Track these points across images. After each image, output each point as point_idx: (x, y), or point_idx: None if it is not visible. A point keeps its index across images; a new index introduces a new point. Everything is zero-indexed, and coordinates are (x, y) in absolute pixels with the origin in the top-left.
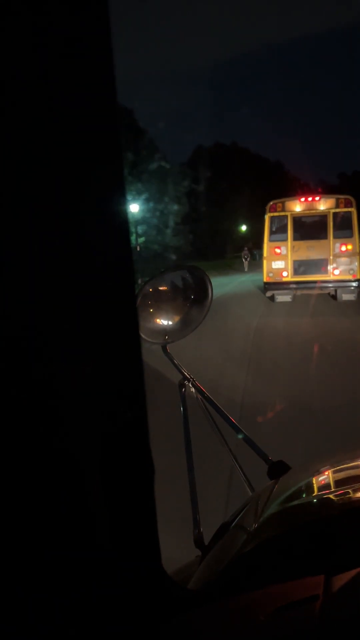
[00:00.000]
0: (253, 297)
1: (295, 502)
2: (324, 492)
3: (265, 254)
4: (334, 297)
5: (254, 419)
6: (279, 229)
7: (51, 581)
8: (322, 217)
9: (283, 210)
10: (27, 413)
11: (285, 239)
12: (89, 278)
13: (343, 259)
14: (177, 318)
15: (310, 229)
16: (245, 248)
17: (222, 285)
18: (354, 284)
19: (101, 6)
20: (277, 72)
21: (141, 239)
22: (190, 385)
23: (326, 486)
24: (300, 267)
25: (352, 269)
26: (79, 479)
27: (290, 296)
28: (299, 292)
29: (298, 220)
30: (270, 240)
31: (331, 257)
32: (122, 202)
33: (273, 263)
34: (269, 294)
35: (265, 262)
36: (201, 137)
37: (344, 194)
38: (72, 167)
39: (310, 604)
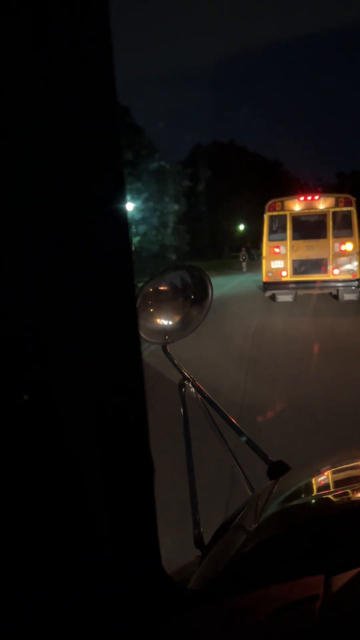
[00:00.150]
0: (252, 298)
1: (295, 502)
2: (323, 492)
3: (264, 253)
4: (336, 297)
5: (253, 419)
6: (278, 229)
7: (51, 581)
8: (322, 217)
9: (282, 209)
10: (27, 413)
11: (285, 239)
12: (89, 278)
13: (343, 259)
14: (177, 318)
15: (309, 228)
16: (243, 248)
17: (220, 285)
18: (354, 283)
19: (101, 6)
20: (276, 72)
21: (136, 239)
22: (190, 385)
23: (326, 486)
24: (299, 266)
25: (351, 269)
26: (79, 479)
27: (291, 296)
28: (300, 292)
29: (297, 220)
30: (269, 239)
31: (330, 257)
32: (122, 202)
33: (272, 263)
34: (268, 293)
35: (264, 261)
36: (199, 136)
37: (343, 193)
38: (72, 167)
39: (310, 604)
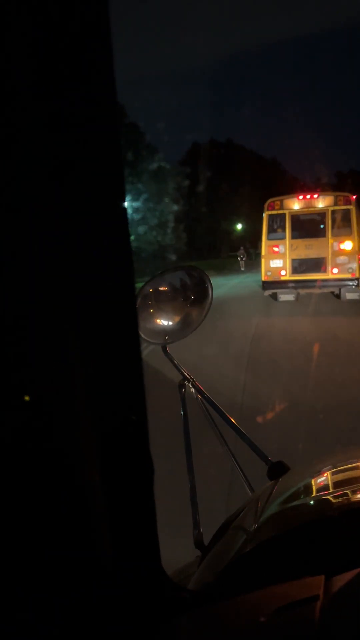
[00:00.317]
0: (252, 298)
1: (295, 503)
2: (323, 492)
3: (263, 252)
4: (338, 296)
5: (253, 419)
6: (277, 228)
7: (51, 581)
8: (321, 215)
9: (281, 208)
10: (27, 413)
11: (284, 238)
12: (89, 278)
13: (342, 258)
14: (177, 318)
15: (308, 227)
16: (242, 247)
17: (219, 285)
18: (353, 282)
19: (101, 6)
20: (274, 71)
21: (131, 238)
22: (190, 386)
23: (326, 487)
24: (298, 265)
25: (351, 268)
26: (79, 479)
27: (293, 295)
28: (302, 292)
29: (296, 219)
30: (268, 238)
31: (330, 256)
32: (122, 202)
33: (271, 262)
34: (267, 293)
35: (263, 260)
36: (196, 135)
37: (342, 191)
38: (71, 167)
39: (310, 605)
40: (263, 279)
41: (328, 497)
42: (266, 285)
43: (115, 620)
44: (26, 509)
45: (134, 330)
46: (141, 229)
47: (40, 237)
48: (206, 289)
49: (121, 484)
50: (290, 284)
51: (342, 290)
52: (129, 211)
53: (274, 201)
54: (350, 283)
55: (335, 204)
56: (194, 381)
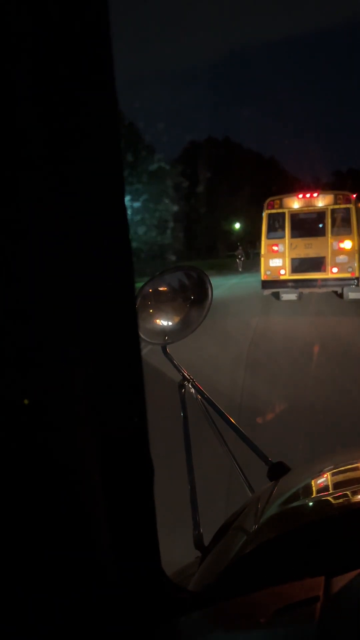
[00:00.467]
0: (251, 299)
1: (295, 504)
2: (324, 493)
3: (262, 251)
4: (341, 295)
5: (253, 419)
6: (276, 227)
7: (51, 581)
8: (320, 214)
9: (281, 207)
10: (27, 413)
11: (283, 237)
12: (88, 278)
13: (341, 257)
14: (176, 319)
15: (308, 226)
16: (240, 247)
17: (217, 286)
18: (353, 282)
19: (101, 5)
20: (272, 70)
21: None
22: (190, 386)
23: (326, 487)
24: (298, 265)
25: (350, 267)
26: (79, 479)
27: (295, 295)
28: (305, 291)
29: (296, 218)
30: (267, 237)
31: (329, 255)
32: (122, 203)
33: (271, 261)
34: (266, 292)
35: (262, 259)
36: (193, 133)
37: (342, 190)
38: (71, 168)
39: (310, 606)
40: (262, 278)
41: (328, 497)
42: (265, 284)
43: (115, 621)
44: (26, 509)
45: (133, 331)
46: (138, 229)
47: (40, 237)
48: (206, 289)
49: (121, 484)
50: (290, 283)
51: (345, 289)
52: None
53: (273, 200)
54: (350, 282)
55: (335, 202)
56: (194, 381)
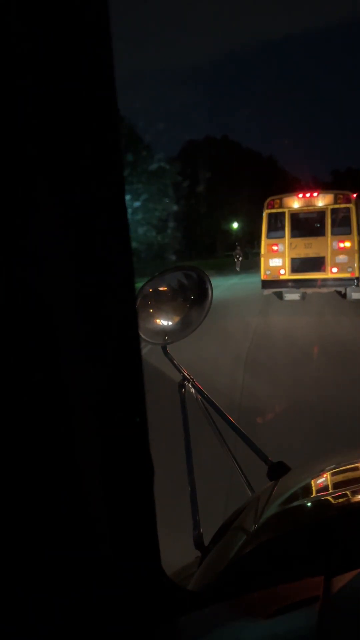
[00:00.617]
0: (250, 300)
1: (295, 504)
2: (324, 493)
3: (262, 251)
4: (344, 295)
5: (253, 419)
6: (276, 226)
7: (51, 581)
8: (320, 214)
9: (281, 206)
10: (28, 413)
11: (283, 236)
12: (88, 278)
13: (341, 257)
14: (177, 319)
15: (308, 225)
16: (238, 247)
17: (215, 286)
18: (353, 282)
19: (101, 5)
20: (270, 69)
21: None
22: (190, 386)
23: (326, 487)
24: (298, 264)
25: (350, 267)
26: (79, 479)
27: (299, 295)
28: (309, 291)
29: (296, 217)
30: (267, 237)
31: (329, 255)
32: (122, 202)
33: (270, 260)
34: (267, 292)
35: (262, 259)
36: (191, 132)
37: (342, 189)
38: (71, 167)
39: (310, 606)
40: (262, 277)
41: (328, 497)
42: (265, 284)
43: (115, 620)
44: (26, 509)
45: (134, 330)
46: (136, 228)
47: (40, 237)
48: (206, 289)
49: (121, 484)
50: (290, 283)
51: (349, 290)
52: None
53: (273, 199)
54: (350, 283)
55: (335, 202)
56: (194, 381)
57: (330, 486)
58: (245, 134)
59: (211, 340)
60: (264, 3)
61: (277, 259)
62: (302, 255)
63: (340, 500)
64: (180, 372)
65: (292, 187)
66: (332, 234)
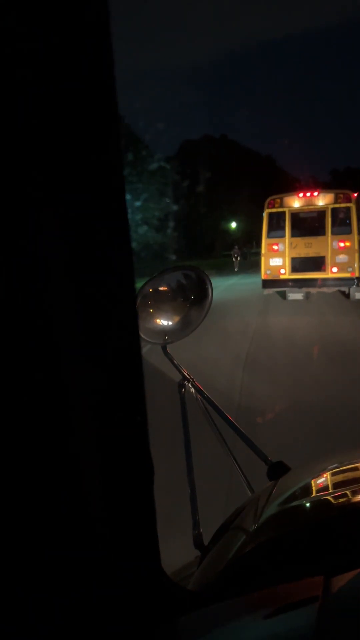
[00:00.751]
0: (249, 302)
1: (295, 503)
2: (323, 493)
3: (263, 250)
4: (348, 295)
5: (253, 419)
6: (277, 226)
7: (51, 581)
8: (321, 213)
9: (281, 206)
10: (28, 413)
11: (283, 236)
12: (88, 278)
13: (341, 256)
14: (176, 318)
15: (308, 225)
16: (236, 246)
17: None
18: (353, 282)
19: (101, 6)
20: (269, 69)
21: None
22: (190, 386)
23: (326, 487)
24: (298, 264)
25: (350, 267)
26: (79, 479)
27: (302, 294)
28: (314, 291)
29: (296, 217)
30: (268, 236)
31: (329, 255)
32: (122, 202)
33: (271, 260)
34: (267, 291)
35: (263, 259)
36: (190, 132)
37: (342, 188)
38: (71, 167)
39: (309, 605)
40: (263, 277)
41: (328, 497)
42: (266, 283)
43: (115, 620)
44: (26, 508)
45: (133, 330)
46: (132, 228)
47: (40, 237)
48: (206, 289)
49: (121, 483)
50: (290, 283)
51: (352, 290)
52: None
53: (274, 199)
54: (350, 283)
55: (336, 201)
56: (194, 381)
57: (330, 486)
58: (244, 133)
59: (210, 342)
60: (262, 3)
61: (277, 258)
62: (303, 255)
63: (340, 500)
64: (180, 372)
65: (291, 187)
66: (333, 233)
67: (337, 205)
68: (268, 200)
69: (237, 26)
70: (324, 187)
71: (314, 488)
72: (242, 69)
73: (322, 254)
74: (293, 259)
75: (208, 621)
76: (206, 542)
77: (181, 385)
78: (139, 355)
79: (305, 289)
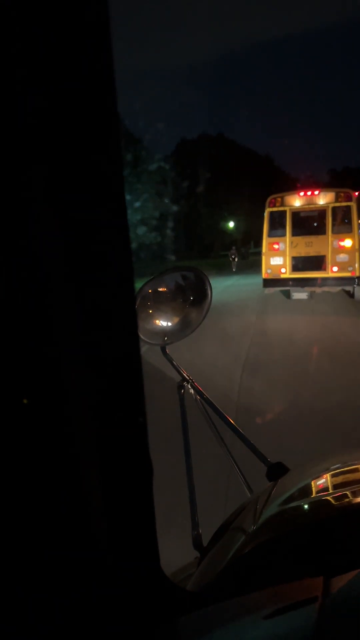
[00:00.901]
0: (247, 304)
1: (294, 504)
2: (323, 493)
3: (263, 249)
4: (352, 295)
5: (252, 420)
6: (278, 225)
7: (51, 581)
8: (321, 212)
9: (282, 205)
10: (28, 414)
11: (284, 235)
12: (88, 279)
13: (342, 256)
14: (176, 319)
15: (309, 224)
16: (233, 247)
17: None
18: (353, 281)
19: (101, 6)
20: (267, 68)
21: None
22: (189, 387)
23: (325, 488)
24: (298, 263)
25: (351, 266)
26: (78, 479)
27: (306, 294)
28: (319, 290)
29: (297, 215)
30: (269, 235)
31: (329, 254)
32: (122, 202)
33: (271, 259)
34: (268, 291)
35: (264, 258)
36: (187, 131)
37: (342, 188)
38: (70, 167)
39: (309, 606)
40: (263, 276)
41: (327, 498)
42: (267, 282)
43: (115, 620)
44: (26, 508)
45: (133, 331)
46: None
47: (39, 237)
48: (205, 290)
49: (120, 484)
50: (290, 282)
51: (357, 289)
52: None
53: (275, 198)
54: (351, 282)
55: (336, 200)
56: (193, 382)
57: (329, 487)
58: (242, 133)
59: (209, 344)
60: (261, 3)
61: (278, 257)
62: (303, 254)
63: (340, 500)
64: (179, 372)
65: (290, 186)
66: (333, 232)
67: (337, 204)
68: (269, 199)
69: (237, 26)
70: (323, 186)
71: (313, 489)
72: (241, 68)
73: (322, 253)
74: (293, 258)
75: (208, 621)
76: (205, 542)
77: (180, 386)
78: (139, 356)
79: (308, 289)
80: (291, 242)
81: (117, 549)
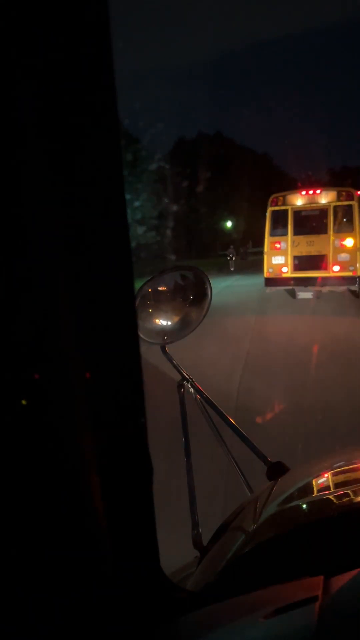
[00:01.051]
0: (247, 306)
1: (294, 503)
2: (323, 493)
3: (265, 249)
4: (358, 295)
5: (252, 419)
6: (279, 224)
7: (51, 581)
8: (323, 211)
9: (284, 204)
10: (28, 414)
11: (286, 234)
12: (88, 279)
13: (343, 255)
14: (176, 318)
15: (310, 223)
16: (231, 246)
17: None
18: (355, 281)
19: (101, 5)
20: (267, 68)
21: None
22: (189, 386)
23: (325, 487)
24: (299, 263)
25: (352, 266)
26: (78, 479)
27: (311, 293)
28: (325, 289)
29: (298, 215)
30: (270, 234)
31: (331, 253)
32: (122, 202)
33: (273, 258)
34: (269, 290)
35: (265, 257)
36: (186, 130)
37: (344, 186)
38: (71, 168)
39: (309, 605)
40: (265, 275)
41: (327, 497)
42: (268, 282)
43: (115, 620)
44: (27, 509)
45: (133, 330)
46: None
47: (40, 237)
48: (205, 289)
49: (120, 484)
50: (291, 282)
51: None
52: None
53: (277, 197)
54: (351, 282)
55: (338, 199)
56: (193, 381)
57: (329, 486)
58: (241, 132)
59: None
60: (261, 3)
61: (279, 256)
62: (305, 253)
63: (340, 500)
64: (179, 371)
65: (289, 185)
66: (335, 231)
67: (339, 203)
68: (271, 198)
69: (237, 26)
70: (322, 185)
71: (313, 488)
72: (241, 68)
73: (324, 253)
74: (295, 257)
75: (208, 621)
76: (205, 542)
77: (180, 385)
78: (138, 355)
79: (313, 288)
80: (293, 241)
81: (117, 549)
